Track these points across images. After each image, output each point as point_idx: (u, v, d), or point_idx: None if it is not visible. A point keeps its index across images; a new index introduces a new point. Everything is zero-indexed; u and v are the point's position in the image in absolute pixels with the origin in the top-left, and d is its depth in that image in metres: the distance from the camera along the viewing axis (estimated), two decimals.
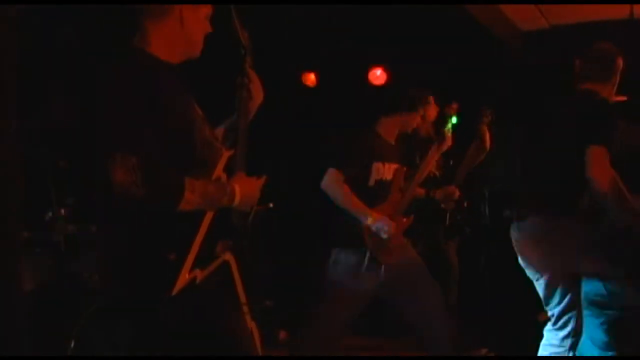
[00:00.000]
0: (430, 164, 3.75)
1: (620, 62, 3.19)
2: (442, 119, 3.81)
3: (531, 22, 5.63)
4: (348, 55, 5.79)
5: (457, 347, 3.77)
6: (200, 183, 1.98)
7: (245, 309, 2.16)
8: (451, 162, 4.52)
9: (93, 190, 2.00)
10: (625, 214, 2.84)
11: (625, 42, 5.24)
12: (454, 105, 3.79)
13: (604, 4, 5.07)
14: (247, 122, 2.24)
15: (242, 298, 2.14)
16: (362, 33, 5.44)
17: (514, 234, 3.20)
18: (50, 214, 3.88)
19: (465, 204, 3.89)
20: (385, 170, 3.52)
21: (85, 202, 4.01)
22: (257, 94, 2.28)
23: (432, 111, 4.51)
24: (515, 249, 3.21)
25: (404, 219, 3.52)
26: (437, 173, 4.53)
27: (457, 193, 4.21)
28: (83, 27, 4.12)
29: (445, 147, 3.66)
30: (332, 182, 3.36)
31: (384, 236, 3.32)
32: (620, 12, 5.31)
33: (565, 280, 3.05)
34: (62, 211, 4.01)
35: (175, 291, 1.92)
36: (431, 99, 4.36)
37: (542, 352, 3.20)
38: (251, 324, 2.18)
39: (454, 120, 3.73)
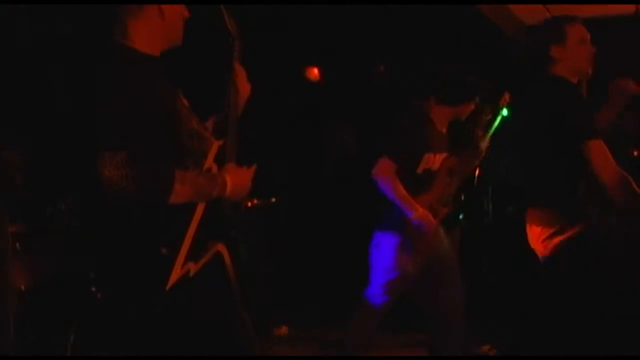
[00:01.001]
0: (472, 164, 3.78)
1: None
2: (493, 112, 3.66)
3: (536, 16, 5.59)
4: (352, 51, 5.78)
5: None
6: (191, 175, 2.00)
7: (238, 299, 2.15)
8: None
9: (85, 186, 2.00)
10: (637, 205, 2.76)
11: (631, 38, 5.24)
12: (506, 96, 3.63)
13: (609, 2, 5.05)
14: (237, 113, 2.25)
15: (236, 289, 2.14)
16: (367, 29, 5.42)
17: None
18: (50, 208, 3.88)
19: (462, 197, 3.85)
20: (435, 160, 3.58)
21: (81, 198, 3.99)
22: (244, 88, 2.30)
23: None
24: None
25: (444, 208, 3.61)
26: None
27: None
28: (62, 24, 4.11)
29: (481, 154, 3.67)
30: (383, 173, 3.45)
31: (423, 231, 3.44)
32: (625, 8, 5.28)
33: None
34: (63, 206, 4.02)
35: (169, 285, 1.92)
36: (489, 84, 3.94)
37: None
38: (245, 315, 2.18)
39: (504, 112, 3.59)
